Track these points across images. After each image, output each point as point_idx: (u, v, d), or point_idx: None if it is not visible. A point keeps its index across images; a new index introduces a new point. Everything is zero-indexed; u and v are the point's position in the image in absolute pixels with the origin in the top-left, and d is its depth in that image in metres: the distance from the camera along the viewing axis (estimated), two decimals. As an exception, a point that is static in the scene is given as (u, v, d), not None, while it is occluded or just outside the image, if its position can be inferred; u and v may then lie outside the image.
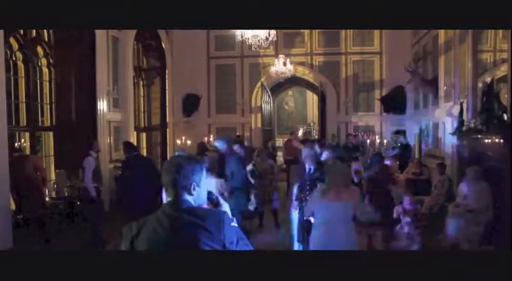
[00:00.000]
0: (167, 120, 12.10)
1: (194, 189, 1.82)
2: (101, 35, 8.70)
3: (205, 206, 1.96)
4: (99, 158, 6.91)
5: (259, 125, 13.05)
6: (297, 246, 4.57)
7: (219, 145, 6.50)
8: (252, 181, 6.40)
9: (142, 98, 11.76)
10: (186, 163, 1.84)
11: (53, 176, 8.32)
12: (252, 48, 9.55)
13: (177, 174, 1.80)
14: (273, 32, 8.84)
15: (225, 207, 2.02)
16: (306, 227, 3.96)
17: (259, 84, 12.75)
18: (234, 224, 1.87)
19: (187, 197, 1.81)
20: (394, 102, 11.84)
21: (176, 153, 7.38)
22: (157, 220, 1.78)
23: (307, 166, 4.89)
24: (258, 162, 7.35)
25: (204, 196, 1.90)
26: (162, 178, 1.84)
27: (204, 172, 1.89)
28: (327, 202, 3.69)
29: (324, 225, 3.71)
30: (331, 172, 3.79)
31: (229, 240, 1.78)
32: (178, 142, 11.35)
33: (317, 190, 3.89)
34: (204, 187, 1.88)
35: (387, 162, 7.85)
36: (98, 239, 6.18)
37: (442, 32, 8.92)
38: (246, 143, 9.84)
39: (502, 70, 6.63)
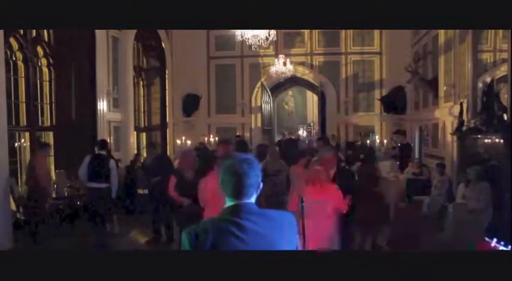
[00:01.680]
0: (167, 120, 12.10)
1: (259, 189, 1.77)
2: (101, 35, 8.70)
3: None
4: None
5: (259, 125, 13.05)
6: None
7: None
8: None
9: (142, 98, 11.77)
10: (254, 163, 1.77)
11: (53, 176, 8.32)
12: (252, 48, 9.54)
13: (250, 173, 1.72)
14: (273, 32, 8.84)
15: None
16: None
17: (259, 84, 12.74)
18: None
19: (253, 197, 1.75)
20: (394, 102, 11.83)
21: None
22: (231, 223, 1.68)
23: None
24: (270, 162, 7.08)
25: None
26: (227, 178, 1.73)
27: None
28: (310, 200, 3.74)
29: (309, 223, 3.77)
30: (311, 170, 3.86)
31: (297, 242, 1.79)
32: (178, 142, 11.35)
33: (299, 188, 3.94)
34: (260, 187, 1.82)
35: (386, 162, 7.85)
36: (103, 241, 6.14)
37: (442, 32, 8.92)
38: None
39: (502, 70, 6.63)
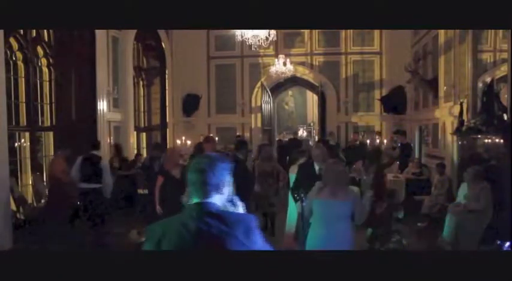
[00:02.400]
0: (167, 120, 12.10)
1: (224, 188, 1.76)
2: (101, 35, 8.70)
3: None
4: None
5: (259, 125, 13.04)
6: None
7: None
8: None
9: (142, 98, 11.77)
10: (219, 161, 1.78)
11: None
12: (252, 48, 9.53)
13: (210, 172, 1.72)
14: (273, 32, 8.83)
15: (241, 208, 1.96)
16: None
17: (259, 84, 12.74)
18: None
19: (216, 198, 1.75)
20: (394, 102, 11.83)
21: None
22: (183, 223, 1.70)
23: (316, 166, 4.85)
24: (261, 163, 6.94)
25: (227, 195, 1.84)
26: (190, 176, 1.75)
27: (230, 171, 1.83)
28: (323, 201, 3.71)
29: (320, 223, 3.73)
30: (330, 171, 3.80)
31: (258, 247, 1.73)
32: (178, 142, 11.35)
33: (314, 189, 3.90)
34: (229, 186, 1.81)
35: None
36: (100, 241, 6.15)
37: (442, 32, 8.91)
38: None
39: (502, 70, 6.63)
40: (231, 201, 1.89)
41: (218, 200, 1.76)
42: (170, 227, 1.73)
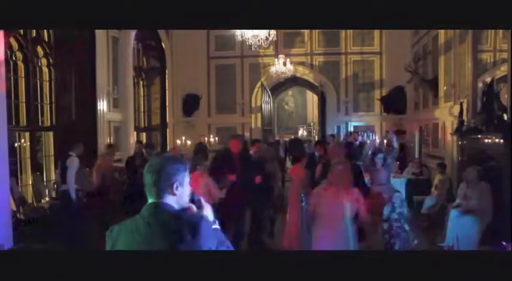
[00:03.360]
0: (167, 120, 12.10)
1: (177, 189, 1.76)
2: (101, 35, 8.70)
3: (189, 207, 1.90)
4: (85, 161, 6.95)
5: (259, 125, 13.05)
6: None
7: None
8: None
9: (142, 98, 11.77)
10: (168, 162, 1.79)
11: (53, 176, 8.32)
12: (252, 48, 9.54)
13: (158, 173, 1.74)
14: (273, 32, 8.84)
15: (208, 209, 1.94)
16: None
17: (259, 84, 12.74)
18: (216, 226, 1.82)
19: (169, 199, 1.76)
20: (394, 102, 11.83)
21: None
22: (136, 224, 1.74)
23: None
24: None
25: (187, 197, 1.83)
26: (144, 177, 1.78)
27: (187, 171, 1.83)
28: (326, 202, 3.71)
29: (324, 224, 3.73)
30: (334, 171, 3.80)
31: (207, 248, 1.71)
32: (178, 142, 11.35)
33: (317, 189, 3.90)
34: (187, 187, 1.81)
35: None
36: (70, 243, 6.08)
37: (442, 32, 8.92)
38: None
39: (502, 70, 6.63)
40: (195, 202, 1.87)
41: (172, 200, 1.76)
42: (124, 228, 1.77)
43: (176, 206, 1.77)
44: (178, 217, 1.75)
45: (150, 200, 1.77)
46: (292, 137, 14.37)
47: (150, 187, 1.76)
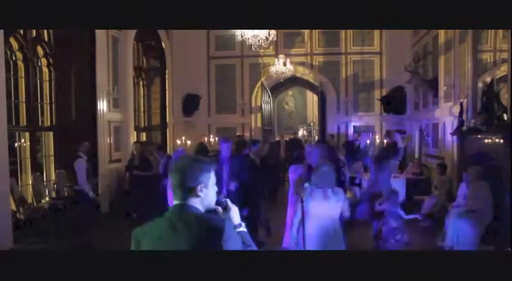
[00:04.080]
0: (167, 120, 12.10)
1: (201, 190, 1.75)
2: (101, 35, 8.70)
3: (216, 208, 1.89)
4: (92, 159, 7.00)
5: (259, 125, 13.05)
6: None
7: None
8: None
9: (142, 98, 11.77)
10: (194, 163, 1.78)
11: (53, 176, 8.32)
12: (252, 48, 9.53)
13: (183, 174, 1.74)
14: (273, 32, 8.84)
15: (234, 211, 1.94)
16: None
17: (259, 84, 12.74)
18: (243, 229, 1.83)
19: (194, 200, 1.75)
20: (394, 102, 11.82)
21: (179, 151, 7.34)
22: (161, 226, 1.74)
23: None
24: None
25: (213, 198, 1.82)
26: (171, 178, 1.79)
27: (213, 172, 1.81)
28: (315, 202, 3.78)
29: (313, 224, 3.80)
30: (319, 172, 3.87)
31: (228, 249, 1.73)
32: (178, 142, 11.35)
33: (305, 190, 3.95)
34: (213, 188, 1.81)
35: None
36: (85, 242, 6.12)
37: (442, 32, 8.91)
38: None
39: (502, 70, 6.63)
40: (220, 202, 1.87)
41: (197, 202, 1.76)
42: (149, 229, 1.77)
43: (201, 208, 1.77)
44: (201, 219, 1.74)
45: (175, 202, 1.77)
46: (292, 136, 14.35)
47: (176, 188, 1.75)
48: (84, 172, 6.48)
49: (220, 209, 1.86)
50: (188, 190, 1.74)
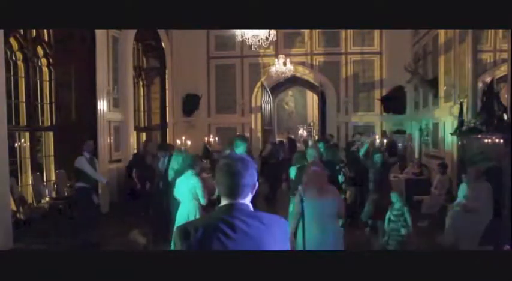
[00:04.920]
0: (167, 120, 12.10)
1: (254, 189, 1.76)
2: (101, 35, 8.70)
3: None
4: (95, 158, 6.98)
5: (259, 125, 13.05)
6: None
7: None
8: None
9: (142, 98, 11.77)
10: (251, 161, 1.76)
11: (53, 176, 8.32)
12: (252, 48, 9.53)
13: (245, 172, 1.70)
14: (273, 32, 8.84)
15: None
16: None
17: (259, 84, 12.74)
18: None
19: (248, 198, 1.74)
20: (394, 102, 11.83)
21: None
22: (223, 222, 1.67)
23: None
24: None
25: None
26: (223, 178, 1.72)
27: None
28: (311, 200, 3.77)
29: (308, 221, 3.78)
30: (309, 172, 3.92)
31: (287, 247, 1.77)
32: (178, 142, 11.35)
33: (300, 190, 3.96)
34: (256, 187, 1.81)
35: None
36: (88, 241, 6.13)
37: (442, 32, 8.92)
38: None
39: (502, 70, 6.63)
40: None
41: (249, 199, 1.76)
42: (205, 229, 1.69)
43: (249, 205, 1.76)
44: (266, 215, 1.75)
45: (227, 201, 1.73)
46: (287, 137, 14.38)
47: (232, 187, 1.71)
48: (90, 166, 6.52)
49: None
50: (247, 187, 1.72)
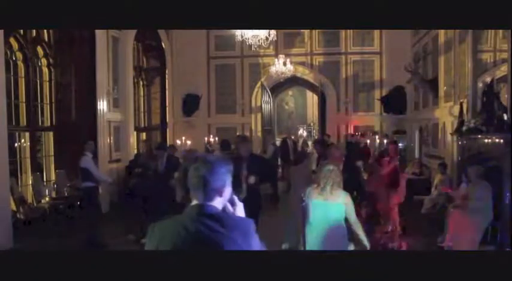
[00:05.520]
0: (167, 120, 12.10)
1: (225, 190, 1.77)
2: (101, 35, 8.70)
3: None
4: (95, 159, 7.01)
5: (259, 125, 13.05)
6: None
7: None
8: None
9: (142, 98, 11.77)
10: (220, 163, 1.78)
11: (53, 176, 8.32)
12: (252, 48, 9.54)
13: (210, 176, 1.73)
14: (273, 32, 8.84)
15: (240, 208, 1.96)
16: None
17: (259, 84, 12.74)
18: None
19: (216, 201, 1.76)
20: (394, 102, 11.83)
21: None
22: (182, 224, 1.72)
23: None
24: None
25: (228, 197, 1.84)
26: (191, 180, 1.76)
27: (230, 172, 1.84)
28: (316, 202, 3.72)
29: (312, 224, 3.75)
30: (321, 172, 3.79)
31: (254, 249, 1.76)
32: (178, 142, 11.35)
33: (308, 190, 3.90)
34: (230, 187, 1.83)
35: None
36: (95, 241, 6.16)
37: (442, 32, 8.92)
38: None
39: (502, 70, 6.63)
40: (230, 201, 1.90)
41: (218, 202, 1.77)
42: (169, 227, 1.76)
43: (220, 207, 1.78)
44: (229, 218, 1.77)
45: (194, 202, 1.76)
46: (284, 137, 14.38)
47: (198, 189, 1.74)
48: (95, 166, 6.56)
49: (229, 206, 1.87)
50: (213, 191, 1.74)
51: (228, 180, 1.80)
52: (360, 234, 3.70)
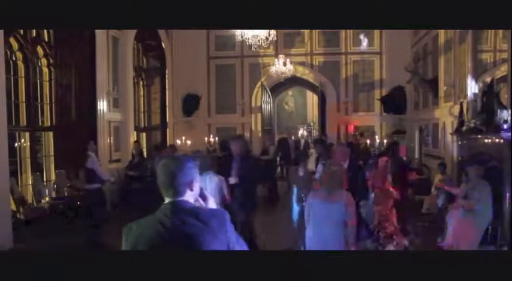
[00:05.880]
0: (167, 120, 12.10)
1: (195, 185, 1.85)
2: (101, 35, 8.70)
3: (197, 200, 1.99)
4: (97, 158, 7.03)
5: (259, 125, 13.05)
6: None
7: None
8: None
9: (142, 98, 11.77)
10: (184, 161, 1.86)
11: (53, 176, 8.32)
12: (252, 48, 9.54)
13: (179, 172, 1.80)
14: (273, 32, 8.84)
15: (211, 201, 2.03)
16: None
17: (259, 84, 12.74)
18: None
19: (187, 195, 1.82)
20: (394, 102, 11.83)
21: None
22: (159, 221, 1.77)
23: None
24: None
25: (198, 191, 1.93)
26: (161, 178, 1.83)
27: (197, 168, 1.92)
28: (318, 202, 3.70)
29: (313, 224, 3.73)
30: (325, 171, 3.77)
31: (232, 240, 1.81)
32: (178, 142, 11.35)
33: (310, 191, 3.89)
34: (198, 182, 1.90)
35: None
36: (96, 241, 6.17)
37: (442, 32, 8.92)
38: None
39: (502, 70, 6.63)
40: (201, 195, 1.99)
41: (189, 196, 1.84)
42: (146, 226, 1.80)
43: (192, 201, 1.86)
44: (204, 210, 1.85)
45: (168, 199, 1.82)
46: (281, 136, 14.38)
47: (169, 186, 1.80)
48: (100, 167, 6.59)
49: (201, 200, 1.97)
50: (183, 186, 1.81)
51: (197, 174, 1.87)
52: (350, 238, 3.62)
